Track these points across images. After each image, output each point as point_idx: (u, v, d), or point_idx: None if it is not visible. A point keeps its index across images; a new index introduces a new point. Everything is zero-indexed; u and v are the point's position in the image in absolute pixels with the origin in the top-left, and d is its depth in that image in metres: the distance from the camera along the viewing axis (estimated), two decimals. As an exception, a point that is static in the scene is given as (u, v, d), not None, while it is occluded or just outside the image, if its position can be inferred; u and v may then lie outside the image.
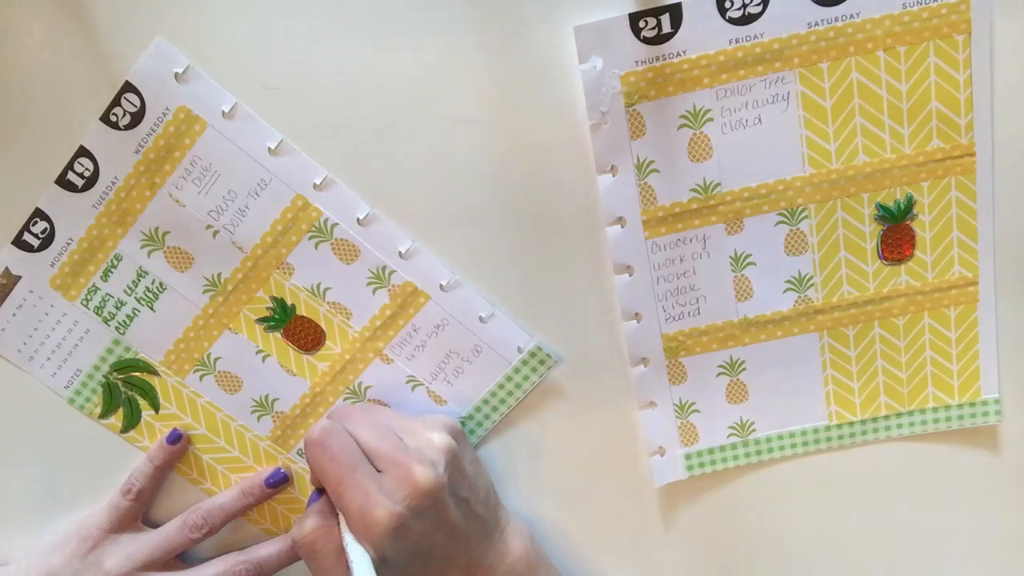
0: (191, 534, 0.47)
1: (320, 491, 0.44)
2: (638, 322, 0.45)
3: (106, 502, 0.47)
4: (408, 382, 0.47)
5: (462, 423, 0.47)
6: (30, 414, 0.48)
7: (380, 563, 0.40)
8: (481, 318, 0.45)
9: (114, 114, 0.43)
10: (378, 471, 0.41)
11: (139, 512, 0.48)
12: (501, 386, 0.46)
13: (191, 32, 0.42)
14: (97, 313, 0.46)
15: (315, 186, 0.44)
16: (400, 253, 0.45)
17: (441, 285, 0.45)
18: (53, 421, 0.48)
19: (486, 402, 0.47)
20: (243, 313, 0.46)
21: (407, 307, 0.45)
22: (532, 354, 0.46)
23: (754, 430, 0.47)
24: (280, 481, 0.48)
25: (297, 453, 0.48)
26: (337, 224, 0.44)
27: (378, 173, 0.44)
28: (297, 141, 0.43)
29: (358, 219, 0.44)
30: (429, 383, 0.47)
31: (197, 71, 0.42)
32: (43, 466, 0.48)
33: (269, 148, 0.43)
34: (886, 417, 0.46)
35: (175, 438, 0.47)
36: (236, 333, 0.46)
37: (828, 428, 0.47)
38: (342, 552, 0.41)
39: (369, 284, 0.45)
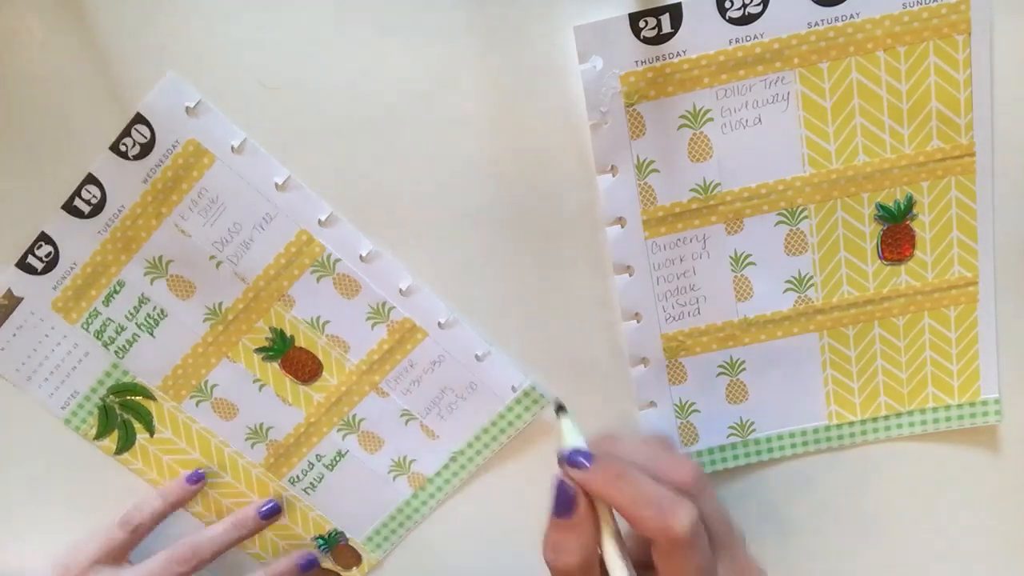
0: (178, 568, 0.45)
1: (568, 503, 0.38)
2: (638, 322, 0.45)
3: (101, 530, 0.46)
4: (402, 416, 0.47)
5: (454, 457, 0.47)
6: (26, 432, 0.48)
7: None
8: (477, 356, 0.46)
9: (124, 144, 0.43)
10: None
11: (132, 547, 0.47)
12: (494, 423, 0.47)
13: (203, 66, 0.42)
14: (97, 337, 0.46)
15: (320, 222, 0.44)
16: (400, 290, 0.45)
17: (439, 323, 0.45)
18: (48, 440, 0.48)
19: (478, 438, 0.47)
20: (242, 342, 0.46)
21: (405, 343, 0.46)
22: (526, 393, 0.46)
23: (754, 430, 0.47)
24: (273, 512, 0.48)
25: (288, 481, 0.48)
26: (340, 260, 0.44)
27: (380, 209, 0.44)
28: (304, 178, 0.43)
29: (361, 256, 0.44)
30: (423, 417, 0.47)
31: (208, 106, 0.42)
32: (35, 483, 0.48)
33: (276, 184, 0.43)
34: (886, 417, 0.46)
35: (196, 478, 0.47)
36: (234, 362, 0.46)
37: (828, 428, 0.47)
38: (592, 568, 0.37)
39: (368, 319, 0.45)
